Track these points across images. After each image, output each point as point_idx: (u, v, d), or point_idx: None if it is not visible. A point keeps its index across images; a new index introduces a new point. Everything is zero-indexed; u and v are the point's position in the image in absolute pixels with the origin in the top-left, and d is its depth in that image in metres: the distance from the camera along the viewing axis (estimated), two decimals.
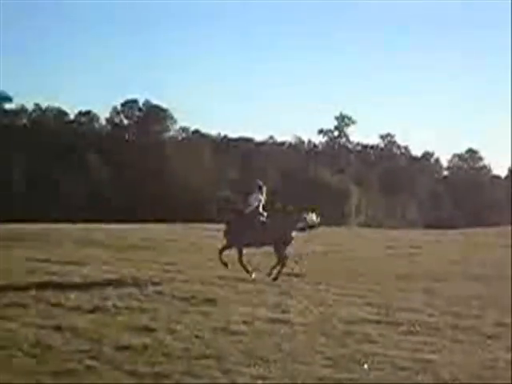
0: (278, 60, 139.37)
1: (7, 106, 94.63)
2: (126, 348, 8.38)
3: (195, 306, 11.52)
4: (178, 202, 76.50)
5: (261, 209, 15.73)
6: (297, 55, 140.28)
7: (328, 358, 8.49)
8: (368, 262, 20.57)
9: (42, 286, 12.57)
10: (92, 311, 10.61)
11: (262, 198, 15.83)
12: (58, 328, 9.26)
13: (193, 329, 9.58)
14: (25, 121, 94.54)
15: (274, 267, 15.30)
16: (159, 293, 12.46)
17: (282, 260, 15.27)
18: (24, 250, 19.82)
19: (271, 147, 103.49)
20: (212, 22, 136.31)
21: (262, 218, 15.60)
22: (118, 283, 13.29)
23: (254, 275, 15.06)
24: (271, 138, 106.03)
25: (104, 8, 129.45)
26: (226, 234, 15.73)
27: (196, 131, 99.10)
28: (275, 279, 14.97)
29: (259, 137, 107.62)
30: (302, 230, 15.80)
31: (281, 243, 15.38)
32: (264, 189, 15.95)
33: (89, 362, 7.72)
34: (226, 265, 15.24)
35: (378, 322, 10.95)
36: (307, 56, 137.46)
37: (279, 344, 9.04)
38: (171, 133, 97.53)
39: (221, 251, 15.49)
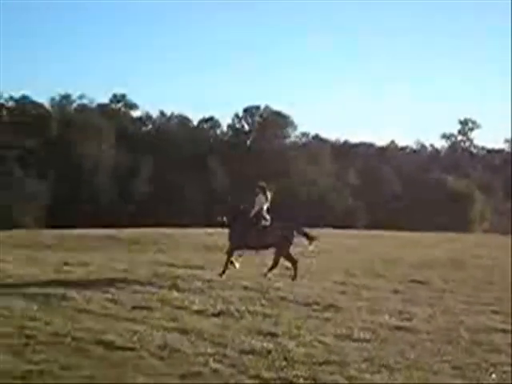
0: (400, 64, 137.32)
1: (134, 113, 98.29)
2: (250, 352, 8.45)
3: (317, 311, 11.50)
4: (297, 207, 76.69)
5: (264, 212, 15.59)
6: (420, 58, 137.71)
7: (455, 366, 8.29)
8: (495, 270, 19.91)
9: (168, 289, 12.92)
10: (216, 315, 10.77)
11: (267, 201, 15.70)
12: (184, 331, 9.46)
13: (316, 334, 9.56)
14: (150, 127, 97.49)
15: (270, 269, 15.25)
16: (281, 298, 12.53)
17: (276, 263, 15.26)
18: (151, 254, 20.43)
19: (393, 152, 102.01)
20: (328, 27, 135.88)
21: (264, 222, 15.48)
22: (242, 288, 13.45)
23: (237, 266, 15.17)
24: (393, 142, 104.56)
25: (228, 14, 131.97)
26: (230, 236, 15.65)
27: (316, 136, 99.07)
28: (265, 275, 15.01)
29: (380, 142, 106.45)
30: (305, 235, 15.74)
31: (280, 246, 15.24)
32: (268, 192, 15.82)
33: (214, 365, 7.84)
34: (233, 265, 15.22)
35: (506, 332, 10.60)
36: (431, 59, 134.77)
37: (403, 352, 8.89)
38: (292, 138, 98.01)
39: (228, 255, 15.38)
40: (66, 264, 16.10)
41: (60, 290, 12.12)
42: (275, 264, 15.31)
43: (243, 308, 11.23)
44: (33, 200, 73.07)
